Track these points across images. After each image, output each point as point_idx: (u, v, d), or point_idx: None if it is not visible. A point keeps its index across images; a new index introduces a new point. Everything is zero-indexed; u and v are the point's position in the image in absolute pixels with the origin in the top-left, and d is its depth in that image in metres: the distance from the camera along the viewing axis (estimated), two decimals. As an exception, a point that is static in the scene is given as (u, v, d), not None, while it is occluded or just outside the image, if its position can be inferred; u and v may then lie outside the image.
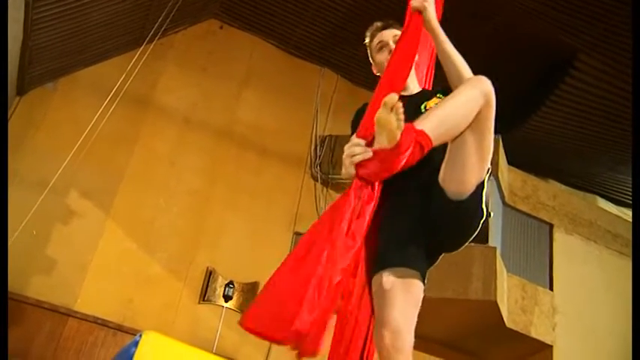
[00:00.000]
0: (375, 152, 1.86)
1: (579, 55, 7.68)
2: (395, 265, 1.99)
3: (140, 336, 4.08)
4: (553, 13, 7.30)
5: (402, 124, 1.80)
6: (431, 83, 2.70)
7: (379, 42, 2.42)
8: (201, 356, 4.90)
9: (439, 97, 2.26)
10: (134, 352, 3.96)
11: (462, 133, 1.96)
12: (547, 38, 7.68)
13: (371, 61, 2.51)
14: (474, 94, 1.98)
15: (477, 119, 1.97)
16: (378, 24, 2.49)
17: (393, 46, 2.36)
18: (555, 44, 7.71)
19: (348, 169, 1.95)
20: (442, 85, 2.29)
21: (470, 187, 2.00)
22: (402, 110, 1.79)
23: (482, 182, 2.05)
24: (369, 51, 2.52)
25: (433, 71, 2.69)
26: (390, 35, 2.41)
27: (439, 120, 1.90)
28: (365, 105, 2.48)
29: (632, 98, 5.64)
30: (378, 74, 2.46)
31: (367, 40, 2.50)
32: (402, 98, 2.37)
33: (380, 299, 1.98)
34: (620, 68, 7.64)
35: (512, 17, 7.28)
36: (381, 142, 1.84)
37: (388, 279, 1.96)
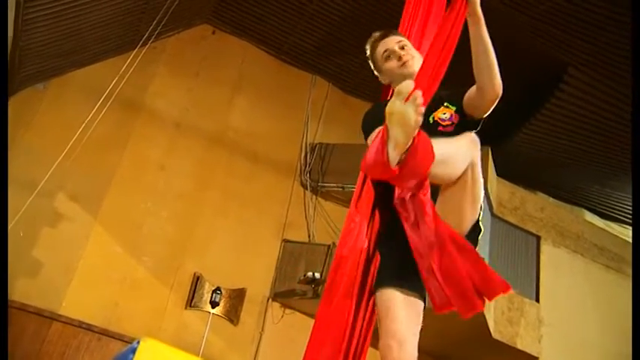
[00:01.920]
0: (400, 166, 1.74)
1: (570, 70, 7.74)
2: (395, 287, 2.07)
3: (138, 342, 4.05)
4: (545, 28, 7.37)
5: (421, 118, 1.68)
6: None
7: (385, 50, 2.40)
8: (197, 363, 4.86)
9: (447, 107, 2.26)
10: (132, 358, 3.93)
11: (454, 183, 1.99)
12: (538, 52, 7.75)
13: (376, 73, 2.48)
14: (468, 147, 2.01)
15: (465, 179, 2.01)
16: (376, 34, 2.47)
17: (400, 52, 2.36)
18: (546, 58, 7.77)
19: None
20: (446, 90, 2.26)
21: (464, 229, 2.08)
22: (420, 101, 1.68)
23: (478, 222, 2.15)
24: (372, 63, 2.49)
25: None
26: (394, 42, 2.41)
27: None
28: (373, 106, 2.48)
29: (632, 102, 5.67)
30: (388, 83, 2.46)
31: (368, 53, 2.48)
32: None
33: (384, 313, 2.06)
34: (610, 84, 7.71)
35: (503, 31, 7.33)
36: (395, 138, 1.70)
37: (392, 296, 2.06)
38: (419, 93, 1.66)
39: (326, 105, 9.47)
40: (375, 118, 2.27)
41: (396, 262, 2.13)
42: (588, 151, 8.78)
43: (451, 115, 2.28)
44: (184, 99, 8.70)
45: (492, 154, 8.15)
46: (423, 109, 1.67)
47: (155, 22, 6.69)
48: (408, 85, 1.69)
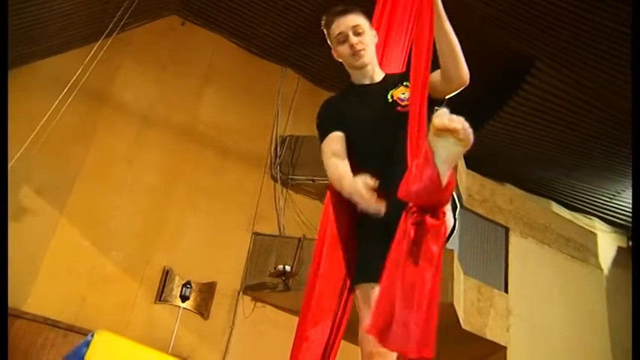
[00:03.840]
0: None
1: (536, 63, 7.85)
2: (373, 282, 2.03)
3: (92, 336, 3.98)
4: (510, 21, 7.45)
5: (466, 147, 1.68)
6: (404, 67, 2.68)
7: (339, 33, 2.36)
8: (155, 356, 4.81)
9: (406, 87, 2.26)
10: (85, 351, 3.85)
11: None
12: (504, 45, 7.83)
13: (330, 44, 2.44)
14: None
15: None
16: (335, 9, 2.41)
17: (353, 40, 2.32)
18: (513, 51, 7.87)
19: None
20: (406, 71, 2.27)
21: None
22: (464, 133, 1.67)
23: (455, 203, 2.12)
24: (327, 37, 2.44)
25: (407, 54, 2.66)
26: (350, 26, 2.34)
27: None
28: (324, 102, 2.47)
29: (632, 101, 5.78)
30: (339, 60, 2.43)
31: (323, 26, 2.43)
32: (363, 87, 2.38)
33: (365, 307, 2.05)
34: (575, 78, 7.84)
35: (468, 24, 7.40)
36: (449, 150, 1.68)
37: (373, 290, 2.01)
38: (461, 126, 1.65)
39: (296, 97, 9.43)
40: (332, 118, 2.32)
41: (373, 256, 2.10)
42: (555, 144, 8.93)
43: None
44: (152, 91, 8.56)
45: (462, 146, 8.22)
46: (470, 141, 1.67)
47: (120, 12, 6.56)
48: (443, 115, 1.67)
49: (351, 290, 2.23)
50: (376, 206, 1.85)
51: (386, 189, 1.90)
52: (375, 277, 2.01)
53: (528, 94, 8.22)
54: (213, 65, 9.12)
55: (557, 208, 10.08)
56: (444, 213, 1.78)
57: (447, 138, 1.65)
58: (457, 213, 2.19)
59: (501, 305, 8.17)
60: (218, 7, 8.81)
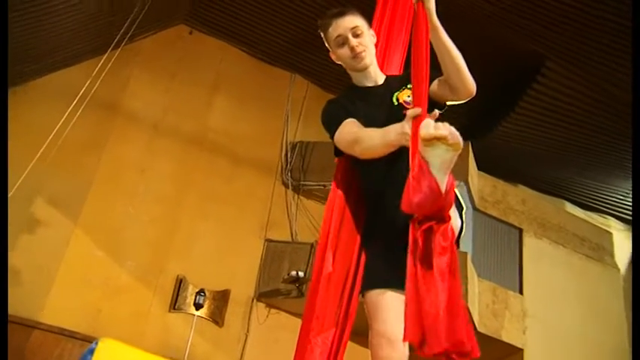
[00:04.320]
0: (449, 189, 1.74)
1: (546, 62, 7.79)
2: (383, 288, 2.06)
3: (96, 343, 4.01)
4: (518, 20, 7.39)
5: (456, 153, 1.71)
6: (402, 69, 2.66)
7: (338, 36, 2.32)
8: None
9: (410, 89, 2.23)
10: (90, 359, 3.89)
11: None
12: (513, 45, 7.79)
13: (328, 47, 2.41)
14: None
15: None
16: (331, 12, 2.38)
17: (353, 42, 2.30)
18: (522, 51, 7.81)
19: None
20: (408, 73, 2.22)
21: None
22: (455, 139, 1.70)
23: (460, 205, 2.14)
24: (325, 40, 2.41)
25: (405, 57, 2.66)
26: (348, 28, 2.31)
27: None
28: (329, 102, 2.46)
29: (632, 101, 5.73)
30: (338, 62, 2.41)
31: (320, 30, 2.40)
32: (367, 89, 2.37)
33: (373, 315, 2.06)
34: (586, 76, 7.78)
35: (477, 24, 7.37)
36: (442, 157, 1.71)
37: (380, 297, 2.05)
38: (450, 133, 1.67)
39: (305, 103, 9.43)
40: (343, 111, 2.26)
41: (381, 262, 2.11)
42: (567, 142, 8.86)
43: None
44: (162, 100, 8.61)
45: (473, 148, 8.19)
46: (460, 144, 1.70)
47: (127, 23, 6.60)
48: (429, 125, 1.70)
49: (359, 295, 2.25)
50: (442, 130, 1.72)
51: (394, 192, 1.91)
52: (382, 284, 2.05)
53: (539, 94, 8.16)
54: (222, 73, 9.15)
55: (571, 207, 9.99)
56: (450, 217, 1.78)
57: (437, 146, 1.68)
58: (464, 213, 2.18)
59: (517, 307, 8.10)
60: (225, 14, 8.84)
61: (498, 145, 8.96)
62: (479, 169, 8.62)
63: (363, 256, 2.29)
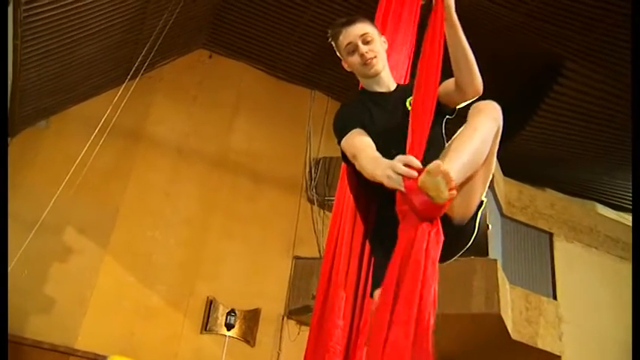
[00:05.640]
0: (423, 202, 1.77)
1: (566, 63, 7.71)
2: None
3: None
4: (538, 24, 7.34)
5: (454, 192, 1.75)
6: (408, 77, 2.65)
7: (348, 44, 2.32)
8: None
9: None
10: None
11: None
12: (532, 48, 7.72)
13: (339, 56, 2.41)
14: (492, 128, 2.01)
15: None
16: (340, 21, 2.39)
17: (363, 49, 2.30)
18: (541, 53, 7.75)
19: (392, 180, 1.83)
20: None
21: (473, 209, 2.06)
22: (451, 176, 1.75)
23: (481, 201, 2.09)
24: (336, 49, 2.41)
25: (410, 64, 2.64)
26: (358, 35, 2.31)
27: (463, 164, 1.88)
28: (342, 106, 2.46)
29: (631, 100, 5.65)
30: (350, 70, 2.41)
31: (330, 40, 2.40)
32: (380, 95, 2.37)
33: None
34: (607, 73, 7.67)
35: (496, 30, 7.33)
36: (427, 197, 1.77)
37: None
38: (447, 171, 1.73)
39: (327, 118, 9.45)
40: (355, 119, 2.26)
41: (383, 264, 2.10)
42: (593, 143, 8.72)
43: None
44: (185, 124, 8.74)
45: (497, 154, 8.09)
46: (454, 184, 1.75)
47: (146, 49, 6.73)
48: (436, 165, 1.75)
49: (369, 297, 2.24)
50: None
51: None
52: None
53: (560, 95, 8.07)
54: (242, 93, 9.27)
55: (602, 209, 9.80)
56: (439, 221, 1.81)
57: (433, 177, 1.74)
58: (481, 211, 2.15)
59: (551, 313, 7.94)
60: (242, 36, 8.97)
61: (523, 150, 8.85)
62: (504, 174, 8.52)
63: (372, 260, 2.30)
